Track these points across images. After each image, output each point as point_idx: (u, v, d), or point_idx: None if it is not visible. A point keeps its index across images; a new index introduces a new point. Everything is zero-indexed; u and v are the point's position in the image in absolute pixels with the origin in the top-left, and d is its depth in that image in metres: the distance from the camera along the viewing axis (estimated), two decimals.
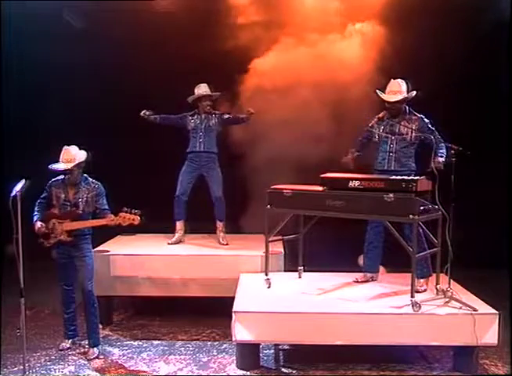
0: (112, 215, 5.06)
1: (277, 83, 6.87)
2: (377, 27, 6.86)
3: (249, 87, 6.95)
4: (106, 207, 5.16)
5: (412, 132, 5.43)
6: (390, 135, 5.52)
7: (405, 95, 5.42)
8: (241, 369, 4.98)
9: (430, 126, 5.45)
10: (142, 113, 6.59)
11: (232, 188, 6.94)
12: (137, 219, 5.03)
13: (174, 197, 6.61)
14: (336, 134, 6.76)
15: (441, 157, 5.26)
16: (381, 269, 5.87)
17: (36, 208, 5.20)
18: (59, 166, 5.01)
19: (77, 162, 5.01)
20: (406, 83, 5.47)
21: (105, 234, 5.97)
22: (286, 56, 6.94)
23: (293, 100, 6.86)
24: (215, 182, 6.62)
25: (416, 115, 5.50)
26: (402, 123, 5.48)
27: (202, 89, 6.58)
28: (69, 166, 4.99)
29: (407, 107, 5.52)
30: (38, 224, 5.11)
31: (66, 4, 7.33)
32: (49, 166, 5.01)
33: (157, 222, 6.32)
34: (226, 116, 6.65)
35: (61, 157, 5.03)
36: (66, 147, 5.05)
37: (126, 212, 5.02)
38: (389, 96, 5.44)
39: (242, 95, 6.97)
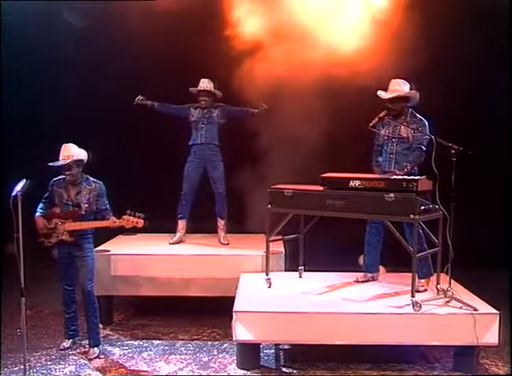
0: (114, 217, 5.05)
1: (286, 77, 6.75)
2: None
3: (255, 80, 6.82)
4: (107, 207, 5.16)
5: (411, 134, 5.40)
6: (391, 137, 5.51)
7: (400, 94, 5.37)
8: (241, 369, 4.99)
9: (426, 131, 5.32)
10: (136, 99, 6.57)
11: (234, 186, 6.95)
12: (140, 223, 5.03)
13: (180, 193, 6.58)
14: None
15: (406, 167, 5.29)
16: (381, 268, 5.88)
17: (40, 206, 5.20)
18: (58, 162, 5.01)
19: (75, 158, 5.01)
20: (410, 84, 5.42)
21: (106, 234, 5.96)
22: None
23: (305, 95, 6.73)
24: (218, 178, 6.61)
25: (416, 117, 5.45)
26: (404, 125, 5.44)
27: (200, 84, 6.55)
28: (67, 161, 4.99)
29: (410, 110, 5.47)
30: (41, 222, 5.09)
31: (66, 4, 7.33)
32: (49, 164, 5.00)
33: (158, 222, 6.30)
34: (229, 108, 6.59)
35: (60, 154, 5.04)
36: (65, 144, 5.06)
37: (130, 215, 5.02)
38: (385, 94, 5.41)
39: (252, 89, 6.72)
